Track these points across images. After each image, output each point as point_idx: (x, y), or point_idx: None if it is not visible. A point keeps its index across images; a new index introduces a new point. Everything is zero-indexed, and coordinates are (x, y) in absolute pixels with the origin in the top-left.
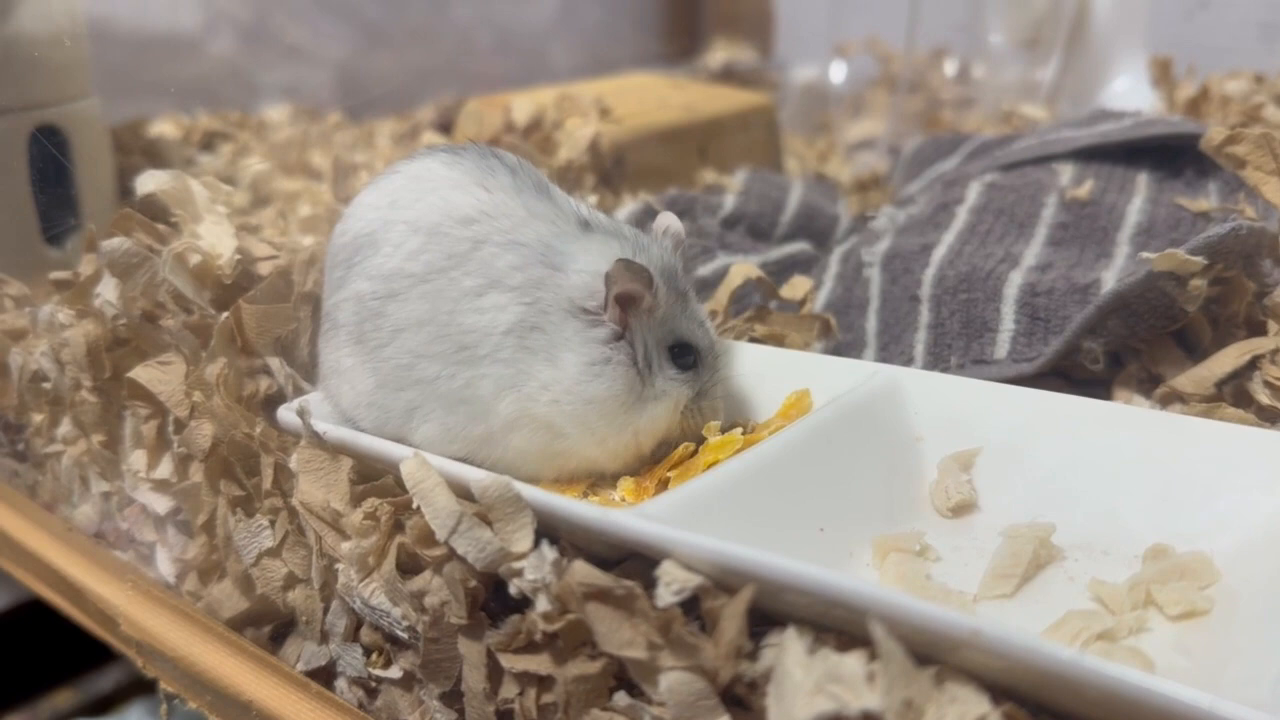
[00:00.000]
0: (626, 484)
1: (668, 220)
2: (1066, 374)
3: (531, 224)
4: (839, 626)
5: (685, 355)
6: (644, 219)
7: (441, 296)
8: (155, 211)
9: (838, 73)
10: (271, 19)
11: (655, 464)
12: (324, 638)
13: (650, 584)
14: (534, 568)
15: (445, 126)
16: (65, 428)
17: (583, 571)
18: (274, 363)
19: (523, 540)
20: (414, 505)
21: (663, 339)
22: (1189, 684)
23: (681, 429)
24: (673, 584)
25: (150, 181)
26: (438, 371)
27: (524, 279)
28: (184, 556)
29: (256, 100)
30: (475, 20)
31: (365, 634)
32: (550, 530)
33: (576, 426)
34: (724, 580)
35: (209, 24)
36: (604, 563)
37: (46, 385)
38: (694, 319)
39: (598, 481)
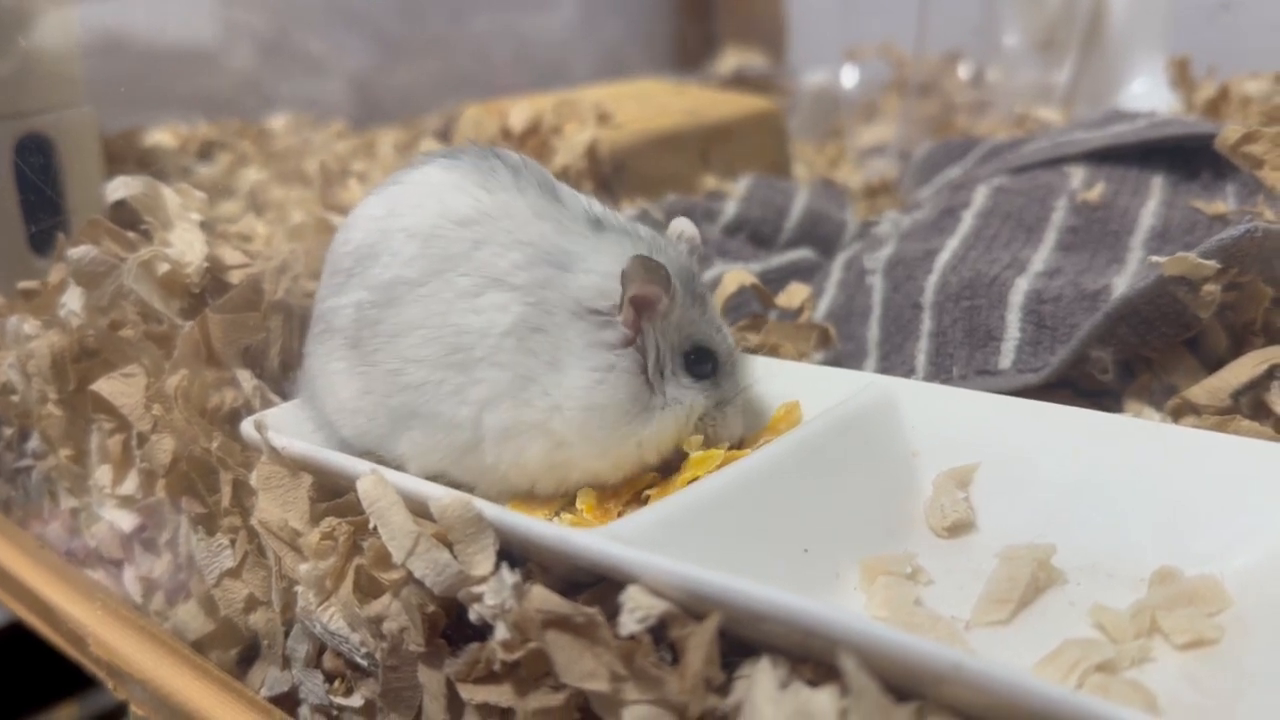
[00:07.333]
0: (587, 499)
1: (682, 225)
2: (1075, 384)
3: (536, 223)
4: (819, 656)
5: (703, 362)
6: None
7: (436, 299)
8: (129, 219)
9: (849, 77)
10: (290, 31)
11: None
12: (286, 663)
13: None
14: (494, 592)
15: (447, 134)
16: (34, 442)
17: (541, 597)
18: (242, 374)
19: (483, 563)
20: (371, 526)
21: (678, 345)
22: None
23: (704, 440)
24: (636, 610)
25: (120, 188)
26: (426, 376)
27: (528, 278)
28: (150, 575)
29: (273, 112)
30: (494, 31)
31: (328, 659)
32: (519, 551)
33: (578, 435)
34: (693, 607)
35: (227, 36)
36: (578, 585)
37: (15, 398)
38: (712, 324)
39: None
